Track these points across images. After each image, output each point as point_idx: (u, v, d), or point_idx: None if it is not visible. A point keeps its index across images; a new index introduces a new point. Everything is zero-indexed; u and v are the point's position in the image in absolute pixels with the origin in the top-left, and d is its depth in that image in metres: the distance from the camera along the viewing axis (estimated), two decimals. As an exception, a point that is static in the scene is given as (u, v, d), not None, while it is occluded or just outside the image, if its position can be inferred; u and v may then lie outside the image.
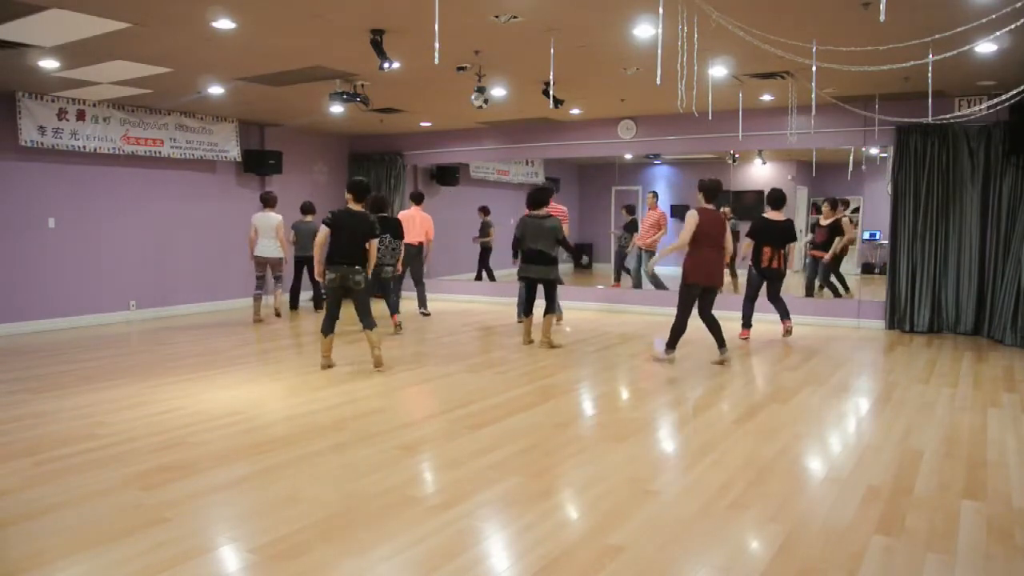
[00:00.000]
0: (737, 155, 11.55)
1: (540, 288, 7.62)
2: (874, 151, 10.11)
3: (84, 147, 8.72)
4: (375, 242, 6.35)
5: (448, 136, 11.62)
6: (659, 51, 4.77)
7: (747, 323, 7.96)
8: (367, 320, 6.27)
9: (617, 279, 11.54)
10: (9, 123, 8.16)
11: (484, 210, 12.12)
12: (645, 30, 5.61)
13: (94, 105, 8.77)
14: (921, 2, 4.85)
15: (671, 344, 6.63)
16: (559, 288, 8.14)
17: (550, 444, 4.37)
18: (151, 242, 9.70)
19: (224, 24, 5.51)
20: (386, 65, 5.90)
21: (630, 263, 11.22)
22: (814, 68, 5.50)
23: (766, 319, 8.37)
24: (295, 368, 6.50)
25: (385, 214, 8.08)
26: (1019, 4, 4.19)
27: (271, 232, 9.11)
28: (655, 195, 10.80)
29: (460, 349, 7.49)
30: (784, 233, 7.61)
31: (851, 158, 9.60)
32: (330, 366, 6.43)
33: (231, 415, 4.97)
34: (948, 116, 6.89)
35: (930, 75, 5.81)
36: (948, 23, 4.95)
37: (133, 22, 5.42)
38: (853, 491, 3.62)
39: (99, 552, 2.95)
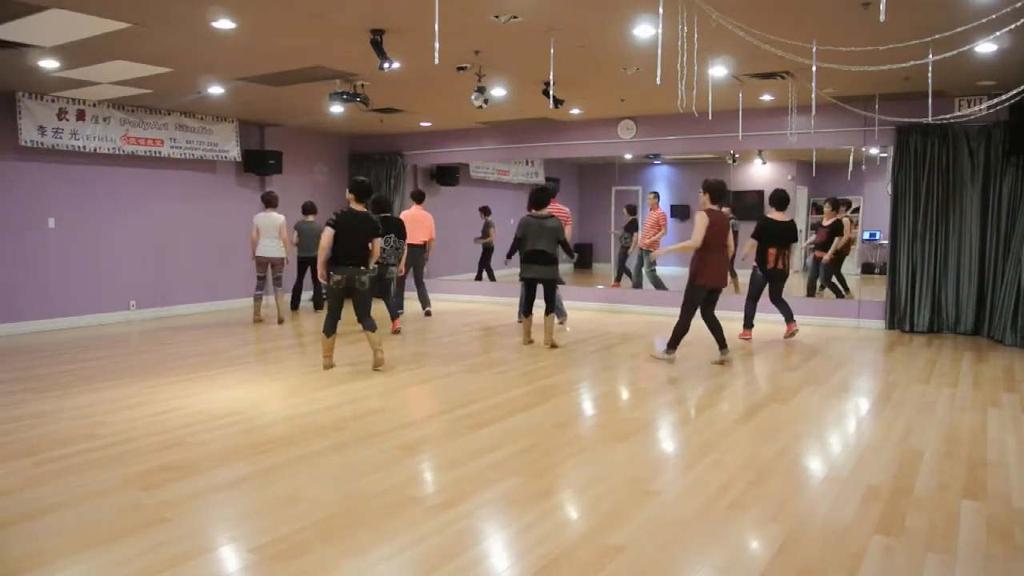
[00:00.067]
0: (737, 155, 11.54)
1: (540, 288, 7.63)
2: (874, 151, 10.10)
3: (84, 147, 8.71)
4: (378, 241, 6.34)
5: (448, 136, 11.62)
6: (659, 51, 4.77)
7: (749, 323, 7.96)
8: (367, 321, 6.27)
9: (618, 279, 11.55)
10: (9, 123, 8.16)
11: (485, 210, 12.13)
12: (645, 30, 5.61)
13: (94, 105, 8.77)
14: (921, 2, 4.85)
15: (672, 344, 6.63)
16: (560, 288, 8.13)
17: (550, 444, 4.37)
18: (151, 242, 9.70)
19: (224, 24, 5.51)
20: (386, 65, 5.90)
21: (630, 263, 11.24)
22: (814, 68, 5.50)
23: (767, 319, 8.38)
24: (295, 368, 6.50)
25: (388, 214, 8.09)
26: (1019, 4, 4.19)
27: (274, 232, 9.08)
28: (656, 195, 10.79)
29: (460, 349, 7.49)
30: (788, 234, 7.62)
31: (851, 158, 9.59)
32: (331, 366, 6.43)
33: (231, 415, 4.98)
34: (948, 116, 6.89)
35: (930, 75, 5.82)
36: (948, 23, 4.95)
37: (133, 22, 5.43)
38: (853, 491, 3.62)
39: (99, 552, 2.95)
